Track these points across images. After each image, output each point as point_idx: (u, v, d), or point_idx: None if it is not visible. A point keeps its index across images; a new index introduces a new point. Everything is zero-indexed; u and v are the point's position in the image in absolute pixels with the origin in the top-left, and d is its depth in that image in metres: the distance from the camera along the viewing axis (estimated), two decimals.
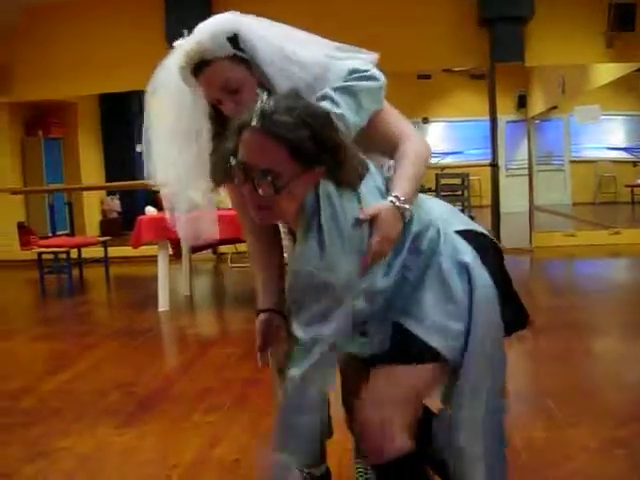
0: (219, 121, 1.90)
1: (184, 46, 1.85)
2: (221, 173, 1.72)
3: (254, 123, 1.55)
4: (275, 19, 1.94)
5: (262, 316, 1.95)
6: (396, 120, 1.95)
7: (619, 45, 9.07)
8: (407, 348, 1.72)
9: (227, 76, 1.83)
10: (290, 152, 1.55)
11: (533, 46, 8.92)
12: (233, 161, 1.60)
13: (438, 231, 1.78)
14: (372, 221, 1.67)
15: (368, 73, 1.86)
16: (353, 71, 1.84)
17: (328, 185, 1.63)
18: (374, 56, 1.95)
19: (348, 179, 1.65)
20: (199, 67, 1.84)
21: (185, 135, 1.98)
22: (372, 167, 1.80)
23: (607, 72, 10.97)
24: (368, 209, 1.68)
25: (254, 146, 1.56)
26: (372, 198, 1.71)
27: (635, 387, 3.78)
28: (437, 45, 9.07)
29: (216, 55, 1.82)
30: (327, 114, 1.65)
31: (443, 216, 1.84)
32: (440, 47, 9.12)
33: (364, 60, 1.91)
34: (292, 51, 1.85)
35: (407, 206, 1.74)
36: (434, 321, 1.71)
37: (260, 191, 1.57)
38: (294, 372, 1.66)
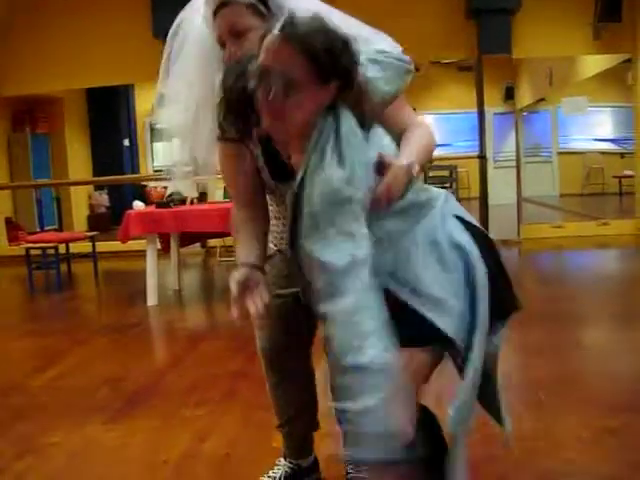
0: None
1: None
2: (236, 96, 1.75)
3: (277, 29, 1.58)
4: None
5: (242, 269, 1.90)
6: (409, 112, 1.98)
7: (606, 36, 9.08)
8: (403, 318, 1.64)
9: (236, 20, 1.90)
10: (307, 60, 1.58)
11: (520, 38, 8.92)
12: (254, 65, 1.63)
13: (433, 207, 1.80)
14: (384, 169, 1.65)
15: (397, 54, 1.87)
16: (382, 51, 1.84)
17: (346, 109, 1.65)
18: (398, 47, 1.96)
19: (359, 110, 1.67)
20: (219, 7, 1.90)
21: (201, 75, 2.03)
22: (381, 129, 1.80)
23: (594, 64, 10.99)
24: (386, 155, 1.67)
25: (273, 49, 1.59)
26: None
27: (623, 377, 3.79)
28: (425, 37, 9.02)
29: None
30: (347, 39, 1.65)
31: (442, 199, 1.85)
32: (428, 39, 9.08)
33: (391, 45, 1.92)
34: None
35: (414, 172, 1.72)
36: (430, 294, 1.70)
37: (271, 93, 1.58)
38: (343, 303, 1.53)
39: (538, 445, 2.80)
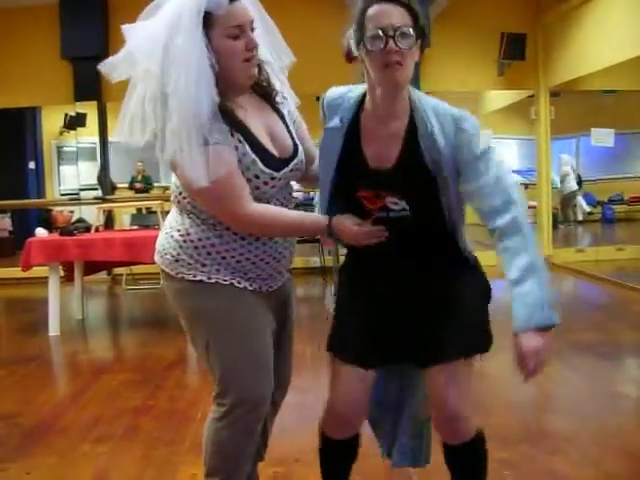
0: None
1: None
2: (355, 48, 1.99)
3: None
4: None
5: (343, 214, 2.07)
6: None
7: (510, 73, 9.42)
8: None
9: (252, 15, 1.99)
10: (411, 17, 1.91)
11: (429, 72, 9.11)
12: (370, 32, 1.89)
13: None
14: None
15: None
16: None
17: None
18: None
19: None
20: None
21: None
22: None
23: (500, 98, 11.37)
24: None
25: (387, 11, 1.89)
26: None
27: (522, 408, 3.89)
28: (336, 68, 9.13)
29: None
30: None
31: None
32: (339, 70, 9.19)
33: None
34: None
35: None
36: None
37: (402, 43, 1.88)
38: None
39: (435, 477, 2.82)
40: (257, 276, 2.14)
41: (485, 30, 9.14)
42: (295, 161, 2.12)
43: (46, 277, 6.10)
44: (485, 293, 2.19)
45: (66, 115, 10.84)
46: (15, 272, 7.78)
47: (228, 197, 1.95)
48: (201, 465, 2.20)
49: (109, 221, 9.28)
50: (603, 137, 9.62)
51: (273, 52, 2.14)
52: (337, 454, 2.26)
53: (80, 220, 7.33)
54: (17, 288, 8.81)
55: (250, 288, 2.12)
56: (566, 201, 14.16)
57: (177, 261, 2.10)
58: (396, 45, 1.87)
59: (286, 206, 2.13)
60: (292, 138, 2.15)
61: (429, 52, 9.04)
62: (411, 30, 1.89)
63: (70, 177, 12.09)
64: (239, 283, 2.10)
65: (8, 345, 5.91)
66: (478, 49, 9.26)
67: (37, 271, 6.33)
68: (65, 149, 12.63)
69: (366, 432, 2.33)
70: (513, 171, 15.65)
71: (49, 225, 10.39)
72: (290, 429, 3.24)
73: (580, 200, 14.42)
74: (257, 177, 2.00)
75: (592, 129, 9.62)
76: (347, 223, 2.01)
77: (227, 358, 2.09)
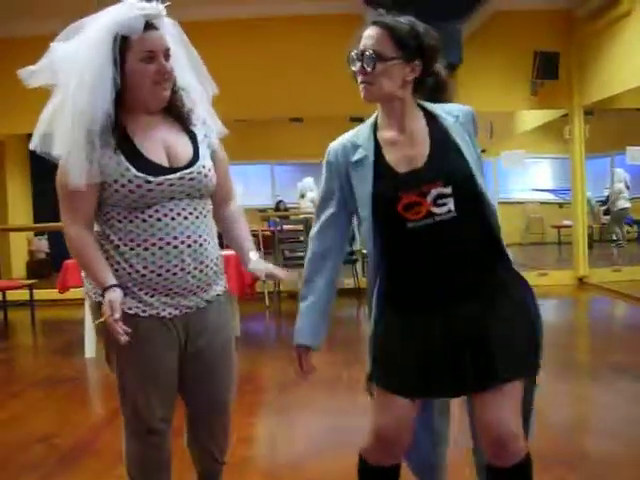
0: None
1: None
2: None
3: (373, 20, 2.07)
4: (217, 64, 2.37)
5: (117, 290, 2.07)
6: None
7: (543, 93, 9.36)
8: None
9: (168, 45, 2.12)
10: (392, 39, 2.02)
11: (462, 93, 9.09)
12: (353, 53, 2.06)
13: None
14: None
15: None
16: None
17: None
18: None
19: (441, 98, 2.18)
20: (152, 25, 2.08)
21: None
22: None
23: (533, 117, 11.29)
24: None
25: (368, 34, 2.05)
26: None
27: (560, 429, 3.83)
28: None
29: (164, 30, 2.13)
30: (429, 29, 2.07)
31: None
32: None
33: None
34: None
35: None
36: None
37: (367, 65, 2.01)
38: None
39: None
40: (163, 288, 2.15)
41: (518, 49, 9.12)
42: (188, 170, 2.16)
43: (82, 299, 6.14)
44: (534, 310, 2.28)
45: None
46: (52, 294, 7.87)
47: (75, 209, 2.13)
48: None
49: None
50: (639, 155, 9.53)
51: (198, 82, 2.26)
52: None
53: None
54: (54, 309, 8.88)
55: (144, 314, 2.15)
56: (615, 220, 13.51)
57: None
58: (362, 68, 2.04)
59: (183, 217, 2.16)
60: (196, 155, 2.21)
61: (461, 72, 9.08)
62: (382, 52, 2.01)
63: None
64: (130, 309, 2.13)
65: (45, 366, 5.97)
66: (511, 68, 9.22)
67: (74, 293, 6.39)
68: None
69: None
70: (547, 190, 15.59)
71: None
72: (323, 451, 3.23)
73: None
74: (130, 181, 2.08)
75: (627, 147, 9.55)
76: (116, 304, 2.02)
77: (120, 380, 2.24)
